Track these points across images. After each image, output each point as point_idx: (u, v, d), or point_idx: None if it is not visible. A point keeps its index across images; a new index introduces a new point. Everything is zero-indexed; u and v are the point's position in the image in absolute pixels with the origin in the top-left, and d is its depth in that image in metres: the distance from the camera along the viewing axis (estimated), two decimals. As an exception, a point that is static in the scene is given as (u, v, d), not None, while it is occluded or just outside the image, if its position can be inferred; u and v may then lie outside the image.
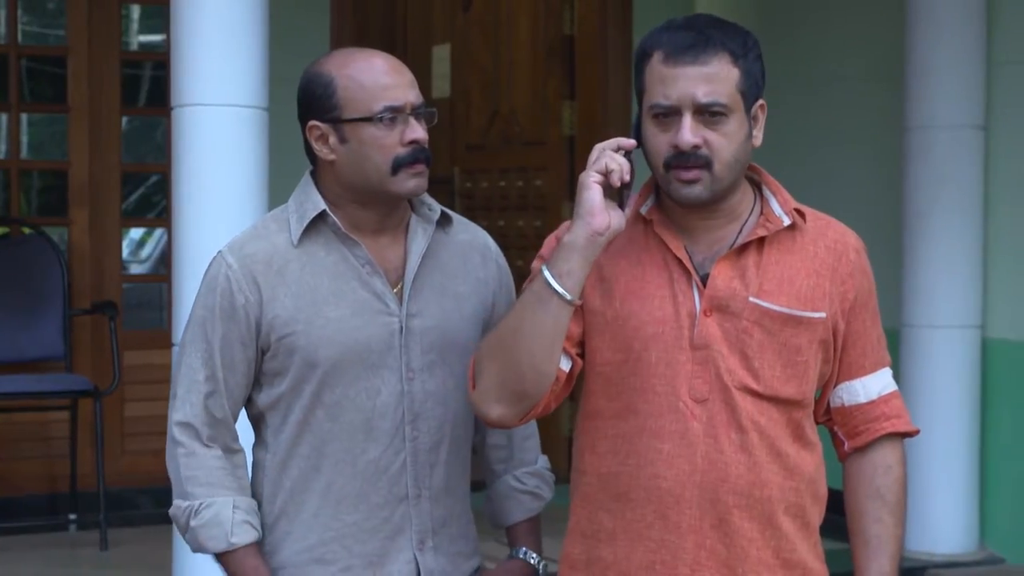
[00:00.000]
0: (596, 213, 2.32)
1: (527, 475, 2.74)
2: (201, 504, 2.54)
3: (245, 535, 2.54)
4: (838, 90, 6.43)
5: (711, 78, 2.33)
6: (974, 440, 5.71)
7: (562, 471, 7.90)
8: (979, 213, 5.71)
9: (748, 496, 2.39)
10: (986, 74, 5.71)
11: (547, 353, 2.36)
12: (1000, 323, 5.74)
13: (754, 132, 2.42)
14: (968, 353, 5.70)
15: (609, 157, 2.34)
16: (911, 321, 5.69)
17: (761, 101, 2.43)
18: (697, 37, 2.35)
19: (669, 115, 2.35)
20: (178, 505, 2.57)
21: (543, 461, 2.79)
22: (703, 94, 2.33)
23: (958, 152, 5.66)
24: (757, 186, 2.51)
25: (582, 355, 2.48)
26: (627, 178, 2.35)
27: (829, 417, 2.56)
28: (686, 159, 2.34)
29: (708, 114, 2.34)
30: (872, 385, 2.53)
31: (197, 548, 2.58)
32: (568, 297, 2.33)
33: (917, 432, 2.58)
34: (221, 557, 2.56)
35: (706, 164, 2.34)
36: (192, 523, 2.54)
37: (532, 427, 2.77)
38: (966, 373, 5.69)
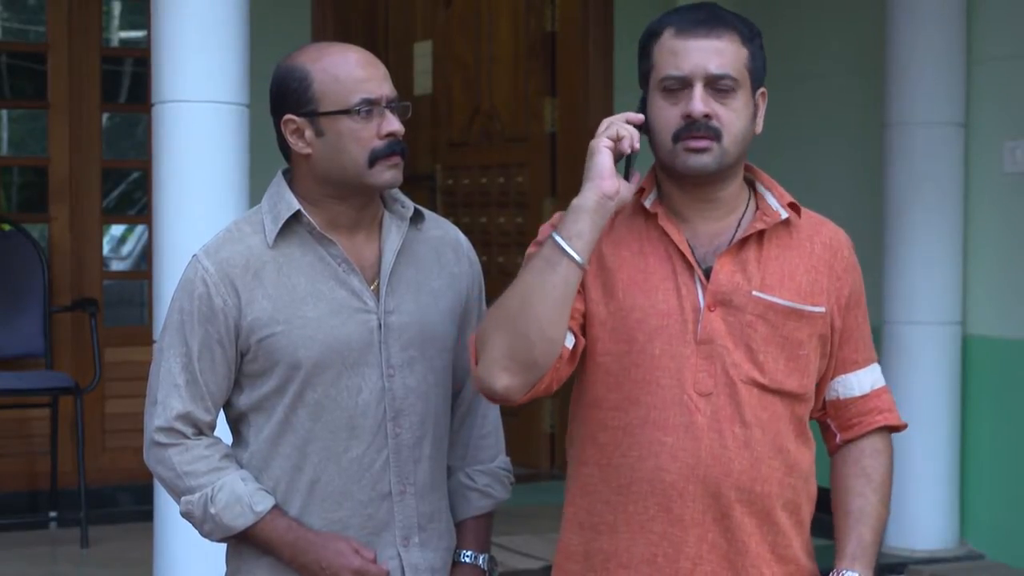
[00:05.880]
0: (607, 176, 2.35)
1: (479, 473, 2.73)
2: (213, 489, 2.53)
3: (265, 501, 2.54)
4: (817, 86, 6.44)
5: (723, 51, 2.39)
6: (955, 436, 5.73)
7: (543, 468, 7.82)
8: (959, 210, 5.72)
9: (750, 491, 2.41)
10: (966, 71, 5.72)
11: (556, 317, 2.34)
12: (980, 320, 5.75)
13: (756, 119, 2.48)
14: (949, 350, 5.72)
15: (620, 125, 2.38)
16: (892, 318, 5.70)
17: (762, 89, 2.48)
18: (709, 14, 2.42)
19: (680, 88, 2.39)
20: (188, 500, 2.55)
21: (501, 461, 2.77)
22: (715, 66, 2.38)
23: (938, 149, 5.67)
24: (750, 183, 2.54)
25: (584, 336, 2.48)
26: (636, 146, 2.38)
27: (824, 411, 2.57)
28: (697, 128, 2.38)
29: (718, 87, 2.39)
30: (865, 379, 2.56)
31: (223, 533, 2.55)
32: (578, 259, 2.33)
33: (905, 426, 2.61)
34: (250, 531, 2.54)
35: (716, 135, 2.38)
36: (212, 510, 2.52)
37: (491, 426, 2.76)
38: (947, 370, 5.71)
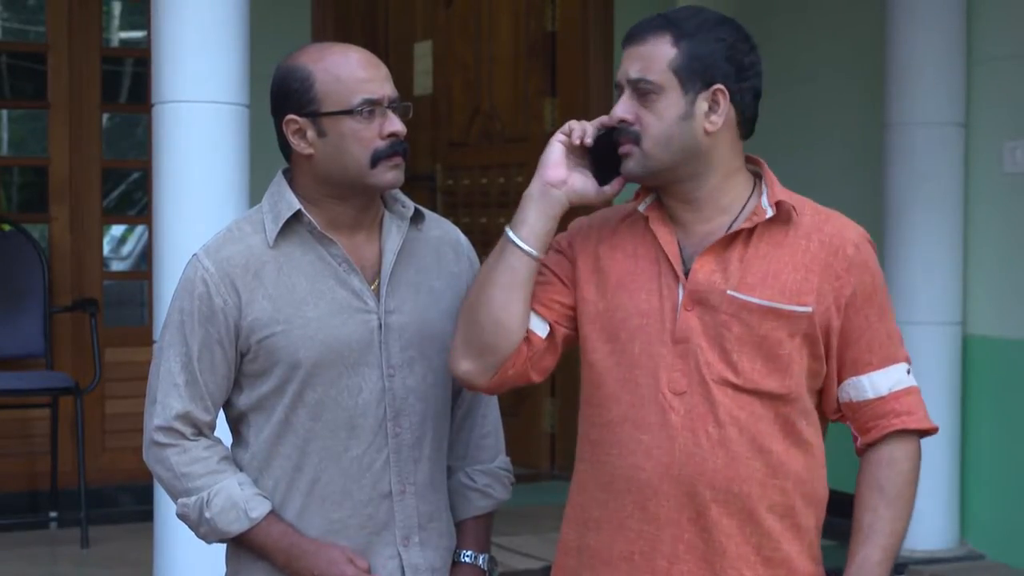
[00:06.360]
0: (550, 166, 2.46)
1: (479, 473, 2.74)
2: (209, 493, 2.53)
3: (261, 506, 2.54)
4: (817, 86, 6.44)
5: (642, 56, 2.43)
6: (955, 436, 5.73)
7: (543, 468, 7.82)
8: (959, 210, 5.72)
9: (726, 491, 2.39)
10: (966, 70, 5.72)
11: (504, 302, 2.43)
12: (980, 320, 5.76)
13: (711, 118, 2.42)
14: (949, 350, 5.72)
15: (576, 122, 2.48)
16: (892, 317, 5.69)
17: (718, 86, 2.42)
18: (649, 20, 2.46)
19: (621, 94, 2.46)
20: (184, 503, 2.55)
21: (501, 461, 2.77)
22: (634, 71, 2.43)
23: (938, 149, 5.67)
24: (760, 179, 2.52)
25: (574, 330, 2.52)
26: (588, 140, 2.45)
27: (840, 414, 2.53)
28: (619, 133, 2.44)
29: (639, 91, 2.42)
30: (881, 381, 2.50)
31: (218, 537, 2.56)
32: (522, 245, 2.43)
33: (935, 430, 2.56)
34: (245, 536, 2.54)
35: (635, 139, 2.43)
36: (207, 514, 2.53)
37: (491, 426, 2.76)
38: (947, 370, 5.71)
